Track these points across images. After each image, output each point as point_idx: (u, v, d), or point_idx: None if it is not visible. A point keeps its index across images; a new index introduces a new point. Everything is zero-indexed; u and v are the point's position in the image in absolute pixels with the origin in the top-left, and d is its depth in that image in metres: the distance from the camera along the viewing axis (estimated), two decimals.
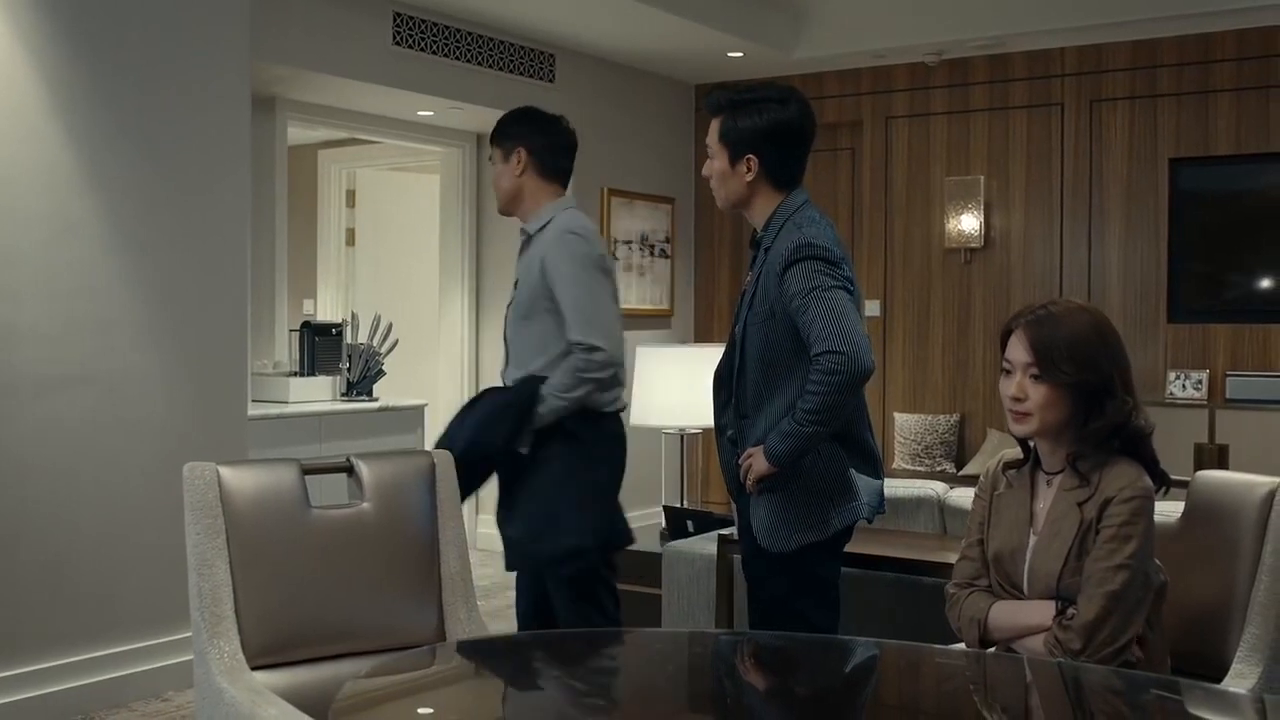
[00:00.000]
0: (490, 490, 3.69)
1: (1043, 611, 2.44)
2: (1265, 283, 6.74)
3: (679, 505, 5.27)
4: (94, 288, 4.37)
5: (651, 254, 7.95)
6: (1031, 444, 2.56)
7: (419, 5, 6.14)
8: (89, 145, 4.34)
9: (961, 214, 7.43)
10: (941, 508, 3.92)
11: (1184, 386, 6.73)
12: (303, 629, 2.67)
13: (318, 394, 6.12)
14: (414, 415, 6.36)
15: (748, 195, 3.05)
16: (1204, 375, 6.72)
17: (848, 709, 2.29)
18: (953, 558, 2.74)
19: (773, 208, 3.03)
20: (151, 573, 4.49)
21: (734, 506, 3.14)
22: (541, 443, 3.47)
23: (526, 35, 6.81)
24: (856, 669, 2.50)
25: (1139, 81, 6.98)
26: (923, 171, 7.65)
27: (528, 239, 3.61)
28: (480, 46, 6.54)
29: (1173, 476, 2.60)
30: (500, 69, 6.68)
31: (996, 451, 3.99)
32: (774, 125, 2.99)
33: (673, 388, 5.14)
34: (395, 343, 6.59)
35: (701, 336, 8.30)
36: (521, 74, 6.83)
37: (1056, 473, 2.52)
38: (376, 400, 6.30)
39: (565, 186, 3.69)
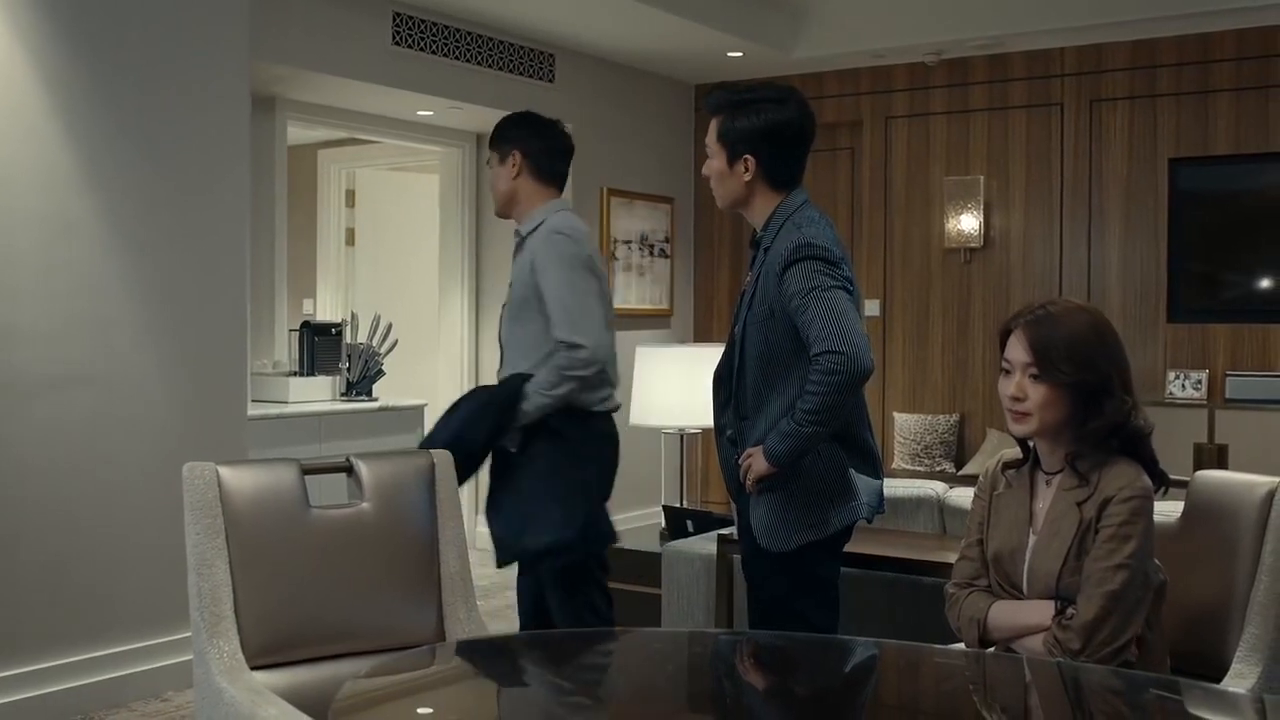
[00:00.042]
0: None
1: (1042, 611, 2.44)
2: (1265, 282, 6.75)
3: (678, 505, 5.27)
4: (93, 287, 4.37)
5: (651, 254, 7.95)
6: (1031, 444, 2.56)
7: (419, 5, 6.14)
8: (88, 145, 4.34)
9: (961, 214, 7.43)
10: (941, 508, 3.92)
11: (1183, 386, 6.73)
12: (302, 629, 2.67)
13: (317, 394, 6.12)
14: (413, 415, 6.37)
15: (746, 195, 3.05)
16: (1203, 375, 6.72)
17: (847, 709, 2.29)
18: (952, 558, 2.74)
19: (771, 208, 3.03)
20: (151, 573, 4.49)
21: (734, 506, 3.14)
22: (528, 441, 3.51)
23: (526, 35, 6.81)
24: (856, 669, 2.50)
25: (1138, 81, 6.98)
26: (922, 171, 7.65)
27: (521, 240, 3.65)
28: (480, 46, 6.54)
29: (1172, 476, 2.60)
30: (500, 69, 6.68)
31: (996, 451, 3.99)
32: (771, 126, 2.99)
33: (672, 388, 5.14)
34: (395, 343, 6.59)
35: (701, 336, 8.31)
36: (521, 74, 6.83)
37: (1056, 472, 2.52)
38: (376, 400, 6.30)
39: (561, 189, 3.73)
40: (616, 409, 3.66)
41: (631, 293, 7.78)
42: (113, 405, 4.43)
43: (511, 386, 3.48)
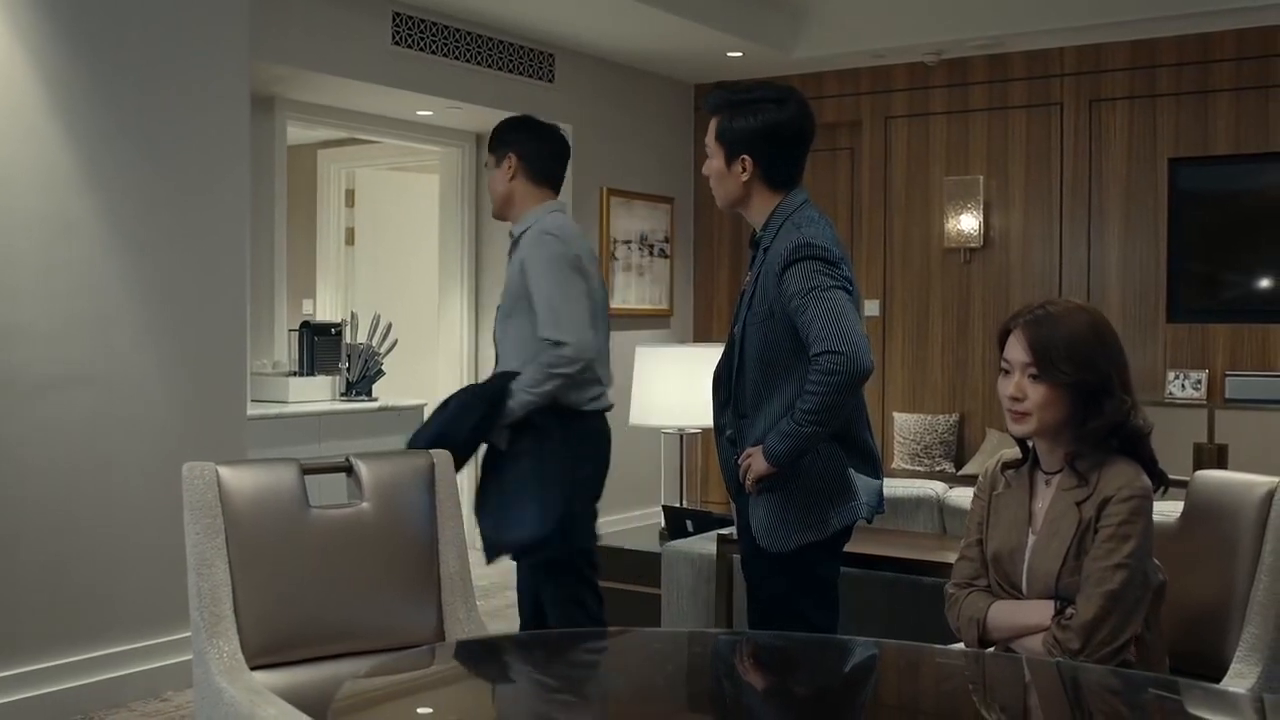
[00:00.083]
0: None
1: (1041, 611, 2.44)
2: (1264, 282, 6.75)
3: (678, 505, 5.27)
4: (93, 287, 4.37)
5: (651, 254, 7.95)
6: (1030, 444, 2.56)
7: (418, 5, 6.15)
8: (88, 145, 4.34)
9: (961, 214, 7.43)
10: (941, 507, 3.92)
11: (1183, 386, 6.73)
12: (302, 629, 2.67)
13: (317, 394, 6.12)
14: (413, 415, 6.36)
15: (744, 195, 3.05)
16: (1203, 375, 6.72)
17: (847, 709, 2.29)
18: (952, 557, 2.74)
19: (770, 208, 3.03)
20: (150, 572, 4.49)
21: (733, 506, 3.14)
22: (516, 438, 3.56)
23: (526, 35, 6.81)
24: (856, 669, 2.50)
25: (1138, 81, 6.98)
26: (922, 171, 7.65)
27: (515, 241, 3.69)
28: (480, 46, 6.54)
29: (1172, 476, 2.60)
30: (500, 69, 6.68)
31: (996, 451, 3.99)
32: (768, 126, 2.99)
33: (672, 388, 5.14)
34: (394, 342, 6.59)
35: (701, 336, 8.31)
36: (521, 74, 6.83)
37: (1055, 472, 2.52)
38: (376, 400, 6.30)
39: (556, 191, 3.76)
40: (609, 408, 3.69)
41: (631, 293, 7.78)
42: (113, 405, 4.43)
43: (498, 384, 3.53)
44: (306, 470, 2.78)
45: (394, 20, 6.08)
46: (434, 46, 6.28)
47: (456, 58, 6.41)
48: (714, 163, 3.06)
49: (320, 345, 6.23)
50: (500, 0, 6.16)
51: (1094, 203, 7.13)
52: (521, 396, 3.48)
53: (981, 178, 7.40)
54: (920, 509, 3.94)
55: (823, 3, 7.19)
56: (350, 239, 8.10)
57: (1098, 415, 2.43)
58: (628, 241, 7.75)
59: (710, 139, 3.07)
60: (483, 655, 2.59)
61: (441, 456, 2.97)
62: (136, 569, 4.48)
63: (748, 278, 3.06)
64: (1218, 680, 2.51)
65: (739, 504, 3.06)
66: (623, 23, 6.66)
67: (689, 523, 4.69)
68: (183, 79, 4.62)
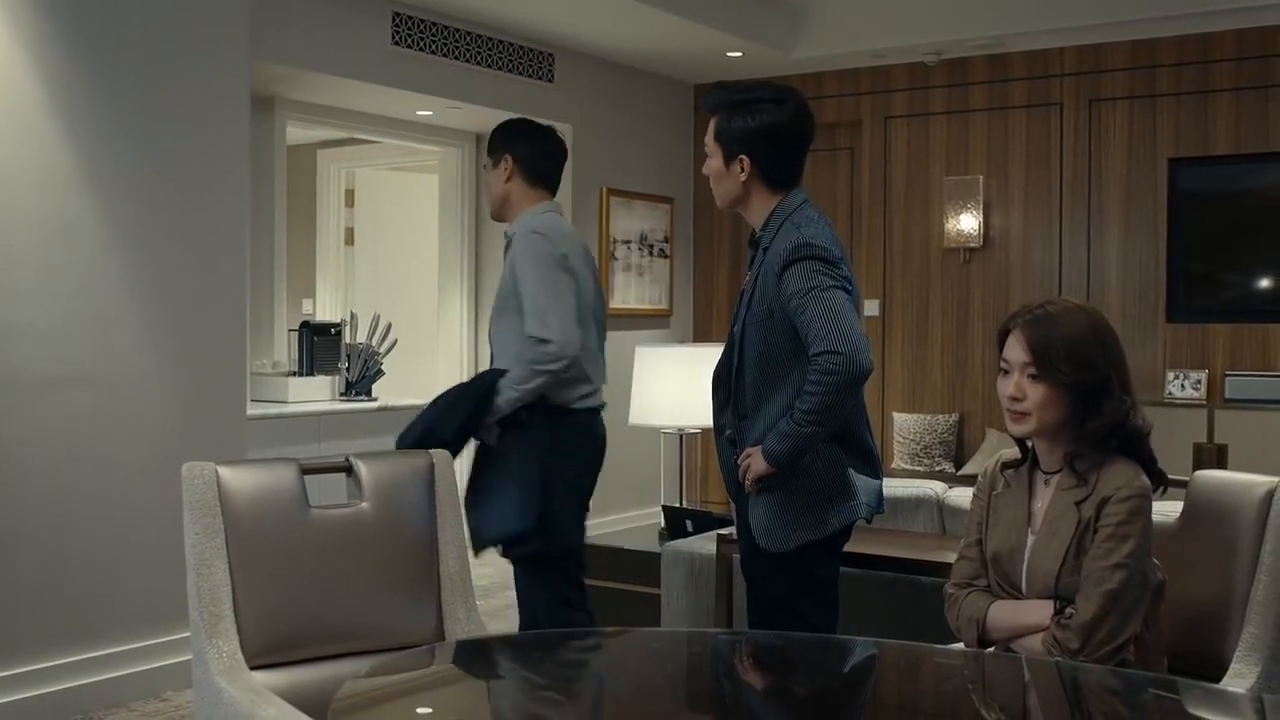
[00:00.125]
0: None
1: (1041, 611, 2.44)
2: (1264, 282, 6.75)
3: (678, 505, 5.27)
4: (93, 287, 4.37)
5: (650, 254, 7.95)
6: (1029, 444, 2.56)
7: (418, 5, 6.14)
8: (88, 145, 4.34)
9: (960, 214, 7.43)
10: (940, 507, 3.92)
11: (1183, 386, 6.73)
12: (302, 629, 2.67)
13: (316, 394, 6.12)
14: (412, 415, 6.34)
15: (743, 195, 3.05)
16: (1203, 375, 6.72)
17: (846, 709, 2.29)
18: (951, 557, 2.74)
19: (769, 207, 3.03)
20: (150, 572, 4.49)
21: (733, 506, 3.14)
22: (503, 435, 3.60)
23: (526, 35, 6.81)
24: (855, 669, 2.50)
25: (1138, 81, 6.98)
26: (922, 171, 7.65)
27: (508, 242, 3.73)
28: (479, 46, 6.54)
29: (1172, 476, 2.60)
30: (499, 69, 6.68)
31: (995, 451, 3.99)
32: (766, 127, 2.99)
33: (671, 388, 5.13)
34: (394, 342, 6.59)
35: (700, 336, 8.31)
36: (521, 74, 6.83)
37: (1054, 472, 2.52)
38: (375, 400, 6.30)
39: (552, 193, 3.81)
40: (599, 407, 3.72)
41: (631, 292, 7.78)
42: (113, 405, 4.43)
43: (485, 381, 3.58)
44: (306, 470, 2.79)
45: (394, 20, 6.08)
46: (434, 46, 6.28)
47: (456, 58, 6.41)
48: (713, 162, 3.06)
49: (320, 345, 6.23)
50: (500, 0, 6.16)
51: (1094, 203, 7.13)
52: (508, 394, 3.53)
53: (981, 178, 7.40)
54: (920, 509, 3.94)
55: (823, 3, 7.19)
56: (350, 239, 8.10)
57: (1097, 415, 2.43)
58: (627, 241, 7.75)
59: (709, 139, 3.07)
60: (482, 655, 2.59)
61: (441, 456, 2.97)
62: (136, 569, 4.48)
63: (747, 278, 3.06)
64: (1217, 680, 2.51)
65: (739, 504, 3.06)
66: (623, 23, 6.66)
67: (689, 523, 4.69)
68: (183, 79, 4.62)
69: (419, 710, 2.24)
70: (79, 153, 4.32)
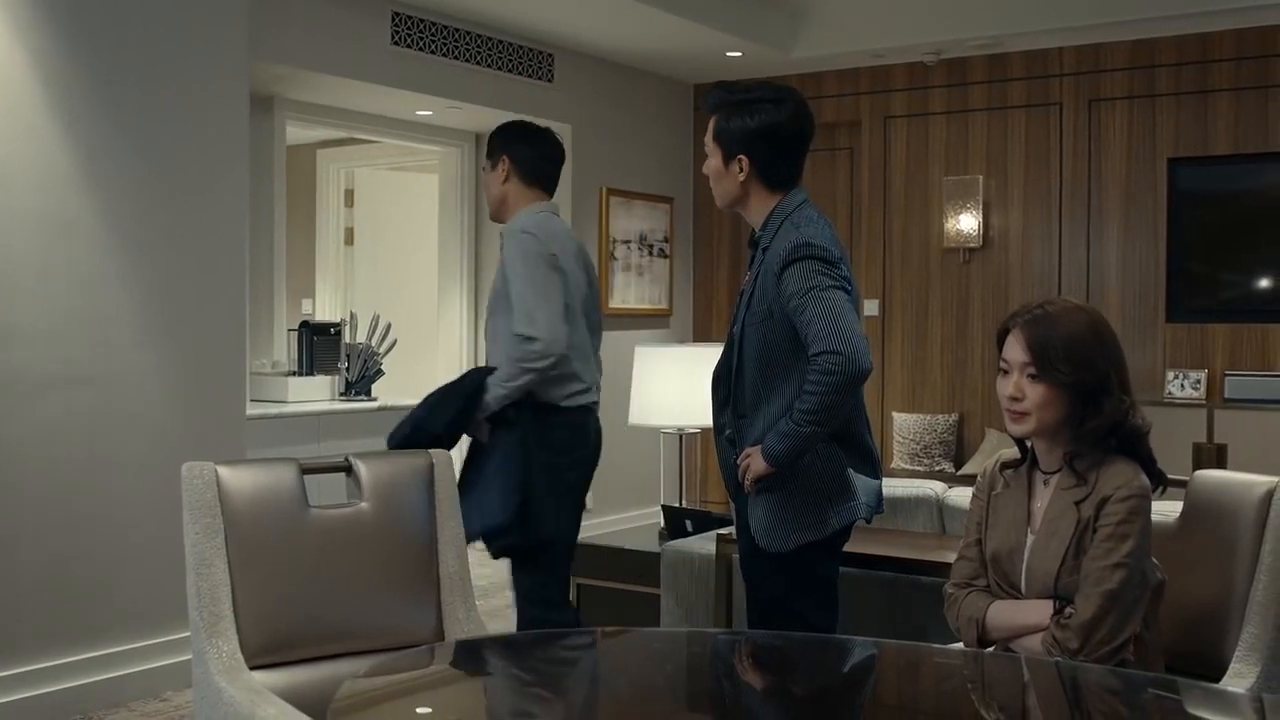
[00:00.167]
0: None
1: (1040, 611, 2.44)
2: (1264, 282, 6.75)
3: (677, 505, 5.27)
4: (92, 287, 4.37)
5: (650, 254, 7.95)
6: (1029, 443, 2.56)
7: (418, 5, 6.14)
8: (87, 144, 4.34)
9: (960, 214, 7.43)
10: (940, 507, 3.92)
11: (1182, 386, 6.73)
12: (301, 628, 2.67)
13: (316, 394, 6.12)
14: None
15: (742, 195, 3.05)
16: (1202, 375, 6.72)
17: (846, 709, 2.29)
18: (951, 557, 2.74)
19: (768, 207, 3.03)
20: (150, 572, 4.49)
21: (732, 506, 3.14)
22: (493, 431, 3.65)
23: (525, 35, 6.81)
24: (855, 669, 2.50)
25: (1137, 81, 6.99)
26: (921, 171, 7.65)
27: (502, 242, 3.76)
28: (479, 46, 6.54)
29: (1171, 476, 2.60)
30: (499, 69, 6.68)
31: (995, 451, 3.99)
32: (765, 127, 2.99)
33: (671, 387, 5.13)
34: (394, 342, 6.59)
35: (700, 336, 8.31)
36: (520, 74, 6.83)
37: (1054, 472, 2.52)
38: (375, 400, 6.30)
39: (549, 193, 3.85)
40: (591, 405, 3.75)
41: (630, 292, 7.78)
42: (112, 405, 4.43)
43: (472, 380, 3.64)
44: (306, 470, 2.79)
45: (393, 20, 6.08)
46: (433, 46, 6.28)
47: (456, 58, 6.41)
48: (712, 162, 3.06)
49: (319, 345, 6.23)
50: (500, 0, 6.16)
51: (1093, 203, 7.13)
52: (495, 391, 3.58)
53: (981, 177, 7.40)
54: (919, 509, 3.94)
55: (822, 3, 7.19)
56: (349, 239, 8.10)
57: (1096, 415, 2.43)
58: (627, 241, 7.75)
59: (709, 138, 3.07)
60: (482, 655, 2.59)
61: (441, 456, 2.97)
62: (136, 569, 4.48)
63: (747, 277, 3.06)
64: (1217, 680, 2.51)
65: (738, 504, 3.06)
66: (622, 23, 6.66)
67: (688, 522, 4.69)
68: (182, 79, 4.62)
69: (418, 710, 2.24)
70: (78, 152, 4.32)
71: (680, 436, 5.48)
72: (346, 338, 6.39)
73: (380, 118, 6.89)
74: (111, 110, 4.40)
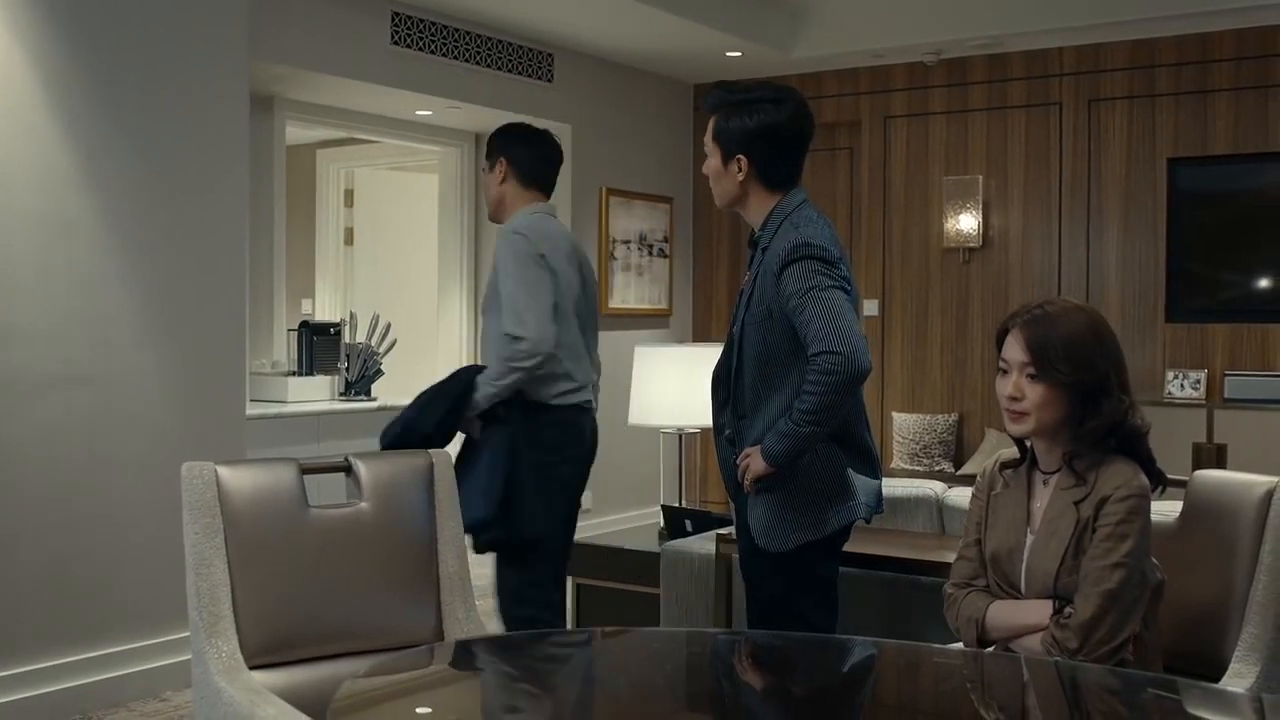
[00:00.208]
0: None
1: (1040, 611, 2.44)
2: (1263, 282, 6.75)
3: (677, 504, 5.27)
4: (92, 287, 4.37)
5: (650, 253, 7.95)
6: (1028, 443, 2.57)
7: (418, 5, 6.15)
8: (87, 144, 4.34)
9: (960, 213, 7.43)
10: (940, 507, 3.92)
11: (1182, 386, 6.73)
12: (301, 628, 2.67)
13: (316, 394, 6.12)
14: None
15: (741, 195, 3.05)
16: (1202, 375, 6.72)
17: (846, 709, 2.29)
18: (951, 557, 2.74)
19: (767, 207, 3.03)
20: (149, 572, 4.49)
21: (732, 506, 3.14)
22: (484, 429, 3.69)
23: (525, 35, 6.81)
24: (854, 668, 2.50)
25: (1137, 81, 6.99)
26: (921, 171, 7.65)
27: (497, 242, 3.80)
28: (479, 46, 6.54)
29: (1171, 476, 2.60)
30: (499, 69, 6.68)
31: (994, 451, 3.99)
32: (764, 127, 2.99)
33: (671, 387, 5.13)
34: (394, 342, 6.59)
35: (700, 336, 8.31)
36: (520, 74, 6.83)
37: (1053, 472, 2.52)
38: (375, 400, 6.30)
39: (547, 195, 3.88)
40: (583, 404, 3.76)
41: (630, 292, 7.78)
42: (112, 405, 4.43)
43: (461, 379, 3.69)
44: (305, 470, 2.79)
45: (393, 20, 6.08)
46: (433, 46, 6.28)
47: (456, 58, 6.41)
48: (712, 162, 3.06)
49: (319, 345, 6.24)
50: (500, 0, 6.16)
51: (1093, 202, 7.13)
52: (484, 389, 3.62)
53: (980, 177, 7.40)
54: (919, 509, 3.94)
55: (822, 3, 7.19)
56: (349, 239, 8.10)
57: (1096, 415, 2.43)
58: (627, 241, 7.75)
59: (708, 138, 3.07)
60: (482, 655, 2.59)
61: (440, 456, 2.97)
62: (135, 568, 4.48)
63: (746, 277, 3.06)
64: (1216, 680, 2.51)
65: (738, 504, 3.06)
66: (622, 23, 6.66)
67: (688, 522, 4.69)
68: (182, 79, 4.62)
69: (418, 710, 2.24)
70: (78, 152, 4.32)
71: (680, 436, 5.49)
72: (346, 338, 6.39)
73: (380, 118, 6.89)
74: (111, 110, 4.40)
